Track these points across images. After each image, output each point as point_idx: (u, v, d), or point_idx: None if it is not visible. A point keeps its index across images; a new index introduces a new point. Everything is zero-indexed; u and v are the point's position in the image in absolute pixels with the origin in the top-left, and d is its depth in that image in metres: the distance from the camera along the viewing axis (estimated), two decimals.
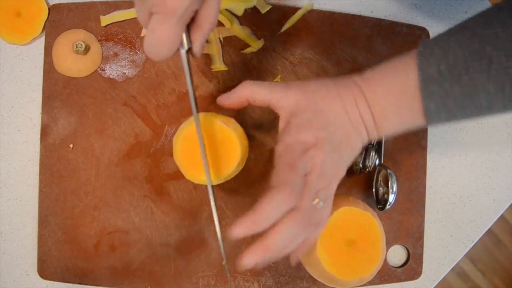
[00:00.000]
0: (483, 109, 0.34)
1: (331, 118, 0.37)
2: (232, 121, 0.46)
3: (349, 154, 0.39)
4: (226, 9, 0.51)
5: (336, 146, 0.37)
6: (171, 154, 0.50)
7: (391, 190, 0.49)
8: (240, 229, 0.33)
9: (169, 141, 0.50)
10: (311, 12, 0.52)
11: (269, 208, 0.33)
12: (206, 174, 0.43)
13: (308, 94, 0.38)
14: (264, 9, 0.52)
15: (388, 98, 0.37)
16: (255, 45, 0.51)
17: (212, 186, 0.50)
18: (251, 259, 0.34)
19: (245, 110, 0.51)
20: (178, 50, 0.35)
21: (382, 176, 0.51)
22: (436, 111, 0.35)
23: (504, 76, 0.32)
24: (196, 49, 0.36)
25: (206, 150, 0.43)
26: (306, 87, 0.38)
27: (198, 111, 0.41)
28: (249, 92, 0.40)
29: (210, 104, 0.51)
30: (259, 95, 0.39)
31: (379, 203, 0.51)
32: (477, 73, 0.33)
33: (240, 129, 0.46)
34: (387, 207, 0.49)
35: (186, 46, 0.35)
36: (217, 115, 0.45)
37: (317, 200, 0.35)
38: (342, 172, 0.38)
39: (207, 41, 0.51)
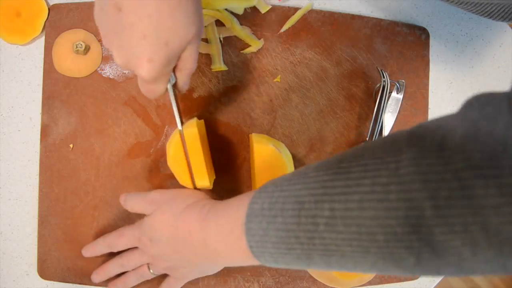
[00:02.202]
0: (304, 261, 0.31)
1: (163, 238, 0.41)
2: (283, 146, 0.45)
3: (200, 270, 0.45)
4: (226, 9, 0.51)
5: (170, 263, 0.43)
6: None
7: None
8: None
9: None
10: (311, 12, 0.52)
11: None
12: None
13: (155, 210, 0.43)
14: (264, 9, 0.52)
15: (217, 236, 0.36)
16: (255, 45, 0.51)
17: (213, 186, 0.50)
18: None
19: (244, 110, 0.51)
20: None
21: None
22: (259, 251, 0.33)
23: (311, 225, 0.29)
24: (180, 86, 0.41)
25: (255, 174, 0.44)
26: (158, 204, 0.43)
27: (191, 118, 0.44)
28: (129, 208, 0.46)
29: (209, 105, 0.51)
30: (134, 208, 0.46)
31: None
32: (289, 217, 0.30)
33: (289, 155, 0.46)
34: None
35: (172, 81, 0.39)
36: (269, 138, 0.45)
37: (151, 271, 0.45)
38: (193, 274, 0.46)
39: (207, 41, 0.51)
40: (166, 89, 0.39)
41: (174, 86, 0.40)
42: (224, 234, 0.35)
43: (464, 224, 0.23)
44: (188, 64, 0.38)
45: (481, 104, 0.25)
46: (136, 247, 0.46)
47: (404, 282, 0.54)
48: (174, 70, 0.39)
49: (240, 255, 0.35)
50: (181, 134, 0.44)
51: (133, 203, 0.45)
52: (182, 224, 0.40)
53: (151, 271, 0.45)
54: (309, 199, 0.29)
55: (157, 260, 0.43)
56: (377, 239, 0.26)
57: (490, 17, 0.47)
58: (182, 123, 0.44)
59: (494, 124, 0.23)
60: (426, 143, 0.25)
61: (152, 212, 0.43)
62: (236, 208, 0.35)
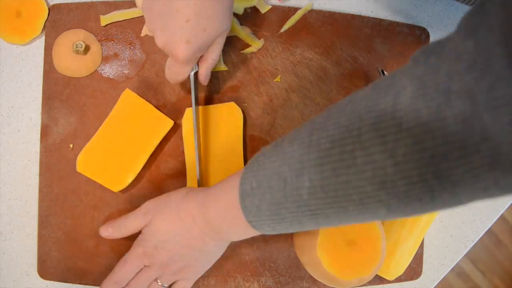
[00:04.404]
0: (296, 225, 0.35)
1: (171, 236, 0.42)
2: None
3: (207, 256, 0.44)
4: None
5: (181, 253, 0.42)
6: (171, 154, 0.50)
7: None
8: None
9: (169, 141, 0.50)
10: (311, 12, 0.52)
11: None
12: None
13: (153, 216, 0.43)
14: (264, 9, 0.52)
15: (218, 217, 0.40)
16: (255, 45, 0.51)
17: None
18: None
19: (244, 110, 0.51)
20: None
21: None
22: (258, 224, 0.37)
23: (297, 197, 0.33)
24: (202, 76, 0.45)
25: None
26: (157, 208, 0.44)
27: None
28: (126, 232, 0.45)
29: (209, 105, 0.51)
30: (131, 229, 0.45)
31: None
32: (276, 192, 0.34)
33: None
34: None
35: (194, 69, 0.44)
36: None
37: (160, 283, 0.44)
38: (199, 270, 0.46)
39: None
40: (188, 76, 0.43)
41: (195, 76, 0.45)
42: (224, 214, 0.39)
43: (420, 174, 0.26)
44: (213, 55, 0.43)
45: (426, 55, 0.27)
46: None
47: (404, 282, 0.54)
48: (198, 61, 0.44)
49: (242, 229, 0.39)
50: (195, 121, 0.47)
51: (126, 225, 0.45)
52: (185, 214, 0.42)
53: (160, 283, 0.44)
54: (290, 174, 0.33)
55: (167, 267, 0.43)
56: (353, 198, 0.30)
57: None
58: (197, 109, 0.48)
59: (437, 74, 0.25)
60: (381, 105, 0.28)
61: (150, 220, 0.43)
62: (230, 189, 0.38)
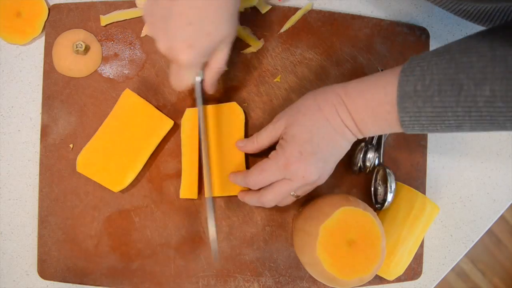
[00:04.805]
0: (453, 128, 0.38)
1: (314, 130, 0.41)
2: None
3: (337, 156, 0.44)
4: None
5: (321, 156, 0.42)
6: (171, 154, 0.50)
7: (389, 190, 0.49)
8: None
9: (169, 141, 0.50)
10: (311, 12, 0.52)
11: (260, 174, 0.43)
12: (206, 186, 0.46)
13: (292, 116, 0.43)
14: (264, 9, 0.52)
15: (367, 110, 0.40)
16: (255, 45, 0.51)
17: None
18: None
19: (244, 109, 0.51)
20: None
21: (381, 175, 0.51)
22: (410, 124, 0.39)
23: (471, 103, 0.35)
24: (208, 84, 0.45)
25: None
26: (290, 111, 0.44)
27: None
28: (259, 146, 0.46)
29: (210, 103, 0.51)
30: (264, 142, 0.46)
31: (377, 202, 0.51)
32: (447, 96, 0.36)
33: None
34: (386, 205, 0.49)
35: (200, 77, 0.43)
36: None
37: (292, 193, 0.44)
38: (328, 174, 0.44)
39: None
40: (193, 82, 0.43)
41: (202, 84, 0.44)
42: (372, 108, 0.40)
43: None
44: (218, 62, 0.42)
45: None
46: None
47: (404, 282, 0.54)
48: (204, 68, 0.43)
49: (387, 126, 0.41)
50: (200, 127, 0.46)
51: (259, 138, 0.45)
52: (325, 103, 0.42)
53: (293, 193, 0.44)
54: (467, 82, 0.34)
55: (310, 176, 0.42)
56: None
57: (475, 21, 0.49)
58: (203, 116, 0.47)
59: None
60: None
61: (285, 129, 0.43)
62: (383, 86, 0.39)
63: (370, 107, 0.40)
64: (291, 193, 0.44)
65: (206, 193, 0.46)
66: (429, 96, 0.36)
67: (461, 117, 0.36)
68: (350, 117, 0.41)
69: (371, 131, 0.42)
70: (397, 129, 0.40)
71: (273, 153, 0.43)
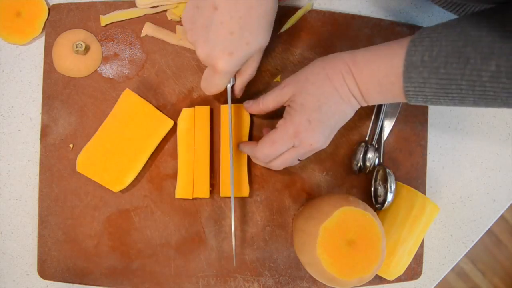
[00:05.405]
0: (456, 101, 0.38)
1: (322, 99, 0.42)
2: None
3: (341, 123, 0.45)
4: None
5: (328, 124, 0.43)
6: (171, 154, 0.50)
7: (389, 190, 0.49)
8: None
9: (169, 141, 0.50)
10: (311, 12, 0.52)
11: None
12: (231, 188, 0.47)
13: (300, 83, 0.43)
14: None
15: (373, 80, 0.41)
16: None
17: (213, 185, 0.50)
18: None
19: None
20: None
21: (381, 175, 0.51)
22: (414, 95, 0.39)
23: (476, 77, 0.35)
24: (237, 89, 0.47)
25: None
26: (298, 78, 0.44)
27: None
28: (264, 108, 0.46)
29: (209, 105, 0.51)
30: (269, 106, 0.46)
31: (377, 202, 0.51)
32: (453, 69, 0.36)
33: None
34: (386, 205, 0.49)
35: (231, 83, 0.45)
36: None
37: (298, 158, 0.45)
38: (330, 139, 0.45)
39: None
40: (225, 88, 0.44)
41: (232, 88, 0.46)
42: (378, 78, 0.40)
43: None
44: (250, 69, 0.44)
45: None
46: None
47: (405, 282, 0.54)
48: (235, 75, 0.44)
49: (391, 96, 0.41)
50: (230, 129, 0.47)
51: (264, 100, 0.45)
52: (333, 71, 0.42)
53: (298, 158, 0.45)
54: (474, 56, 0.35)
55: (317, 143, 0.43)
56: None
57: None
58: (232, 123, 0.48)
59: None
60: None
61: (293, 96, 0.43)
62: (390, 57, 0.40)
63: (376, 77, 0.41)
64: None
65: (231, 193, 0.47)
66: (435, 68, 0.37)
67: (464, 91, 0.36)
68: (357, 86, 0.42)
69: (376, 100, 0.43)
70: (401, 99, 0.41)
71: (281, 121, 0.44)
